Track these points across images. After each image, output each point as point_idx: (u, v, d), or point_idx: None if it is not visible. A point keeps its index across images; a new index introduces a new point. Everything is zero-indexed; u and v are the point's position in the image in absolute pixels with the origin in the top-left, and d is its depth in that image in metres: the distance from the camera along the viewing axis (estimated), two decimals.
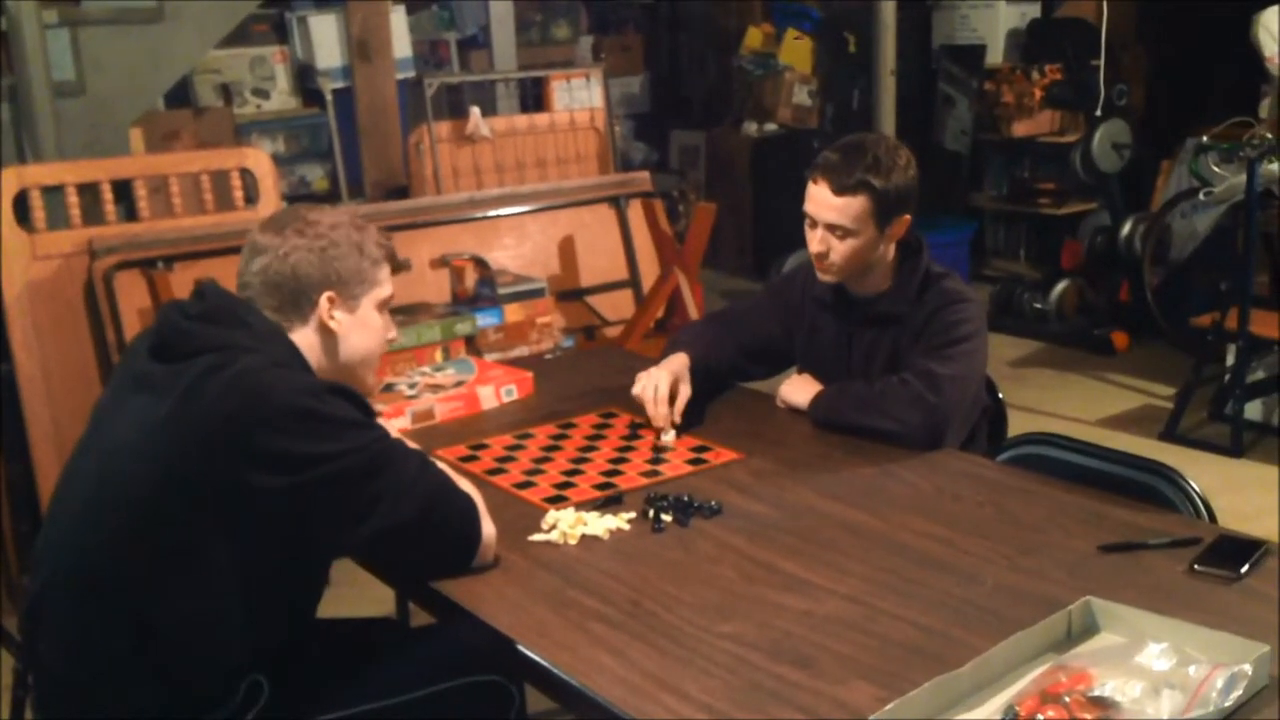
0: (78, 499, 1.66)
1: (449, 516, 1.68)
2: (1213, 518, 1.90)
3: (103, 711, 1.60)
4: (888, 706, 1.32)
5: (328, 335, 1.76)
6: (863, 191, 2.16)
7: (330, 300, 1.74)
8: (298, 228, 1.73)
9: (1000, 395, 2.47)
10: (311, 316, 1.74)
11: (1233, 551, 1.66)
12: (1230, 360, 4.24)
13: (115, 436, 1.64)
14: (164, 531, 1.57)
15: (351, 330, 1.77)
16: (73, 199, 3.32)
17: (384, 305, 1.82)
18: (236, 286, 1.75)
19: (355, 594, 2.20)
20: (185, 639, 1.59)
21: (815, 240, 2.23)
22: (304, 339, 1.74)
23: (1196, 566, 1.64)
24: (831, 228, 2.20)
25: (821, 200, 2.20)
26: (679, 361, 2.32)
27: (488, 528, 1.72)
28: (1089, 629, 1.50)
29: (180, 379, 1.59)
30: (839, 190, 2.17)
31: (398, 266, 1.86)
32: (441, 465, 1.77)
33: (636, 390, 2.25)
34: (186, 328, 1.65)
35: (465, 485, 1.75)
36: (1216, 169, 4.72)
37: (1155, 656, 1.38)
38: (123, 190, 3.45)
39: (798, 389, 2.29)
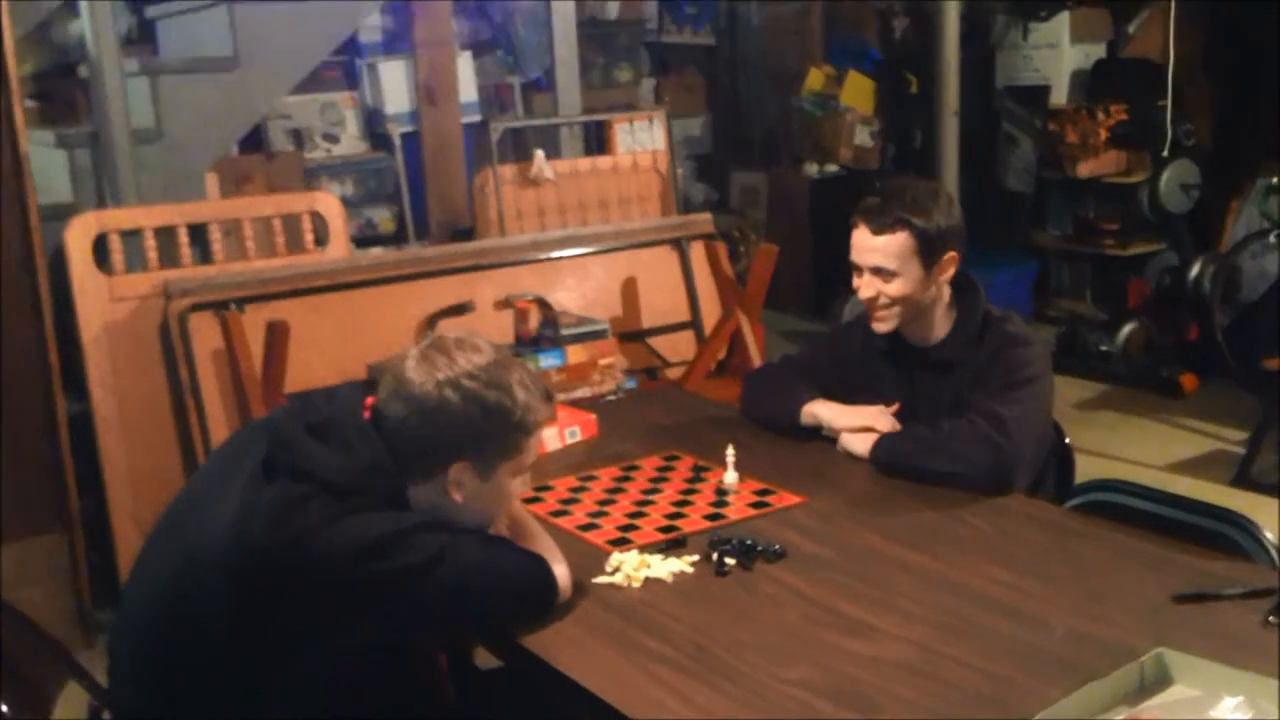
0: (159, 582, 1.64)
1: (525, 601, 1.68)
2: None
3: None
4: None
5: (446, 499, 1.63)
6: (902, 229, 2.18)
7: (462, 470, 1.61)
8: (453, 379, 1.58)
9: (1067, 439, 2.44)
10: (437, 477, 1.61)
11: None
12: None
13: (202, 527, 1.59)
14: (237, 635, 1.54)
15: (476, 499, 1.65)
16: (150, 242, 3.41)
17: (522, 470, 1.69)
18: (371, 405, 1.63)
19: None
20: (251, 695, 1.59)
21: (864, 286, 2.24)
22: (418, 494, 1.62)
23: (1272, 618, 1.60)
24: (876, 270, 2.21)
25: (863, 243, 2.23)
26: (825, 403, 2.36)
27: (561, 571, 1.72)
28: (1162, 680, 1.47)
29: (261, 502, 1.53)
30: (878, 230, 2.20)
31: (554, 418, 1.77)
32: (523, 515, 1.79)
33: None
34: (295, 441, 1.57)
35: (538, 537, 1.76)
36: None
37: (1230, 710, 1.36)
38: (198, 233, 3.53)
39: (858, 437, 2.28)
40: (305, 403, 1.68)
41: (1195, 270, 5.16)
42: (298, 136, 5.11)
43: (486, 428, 1.59)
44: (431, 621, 1.62)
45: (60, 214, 3.41)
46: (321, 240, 3.73)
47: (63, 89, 4.02)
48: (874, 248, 2.21)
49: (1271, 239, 4.63)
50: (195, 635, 1.56)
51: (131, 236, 3.41)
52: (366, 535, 1.52)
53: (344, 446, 1.57)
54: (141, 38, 4.13)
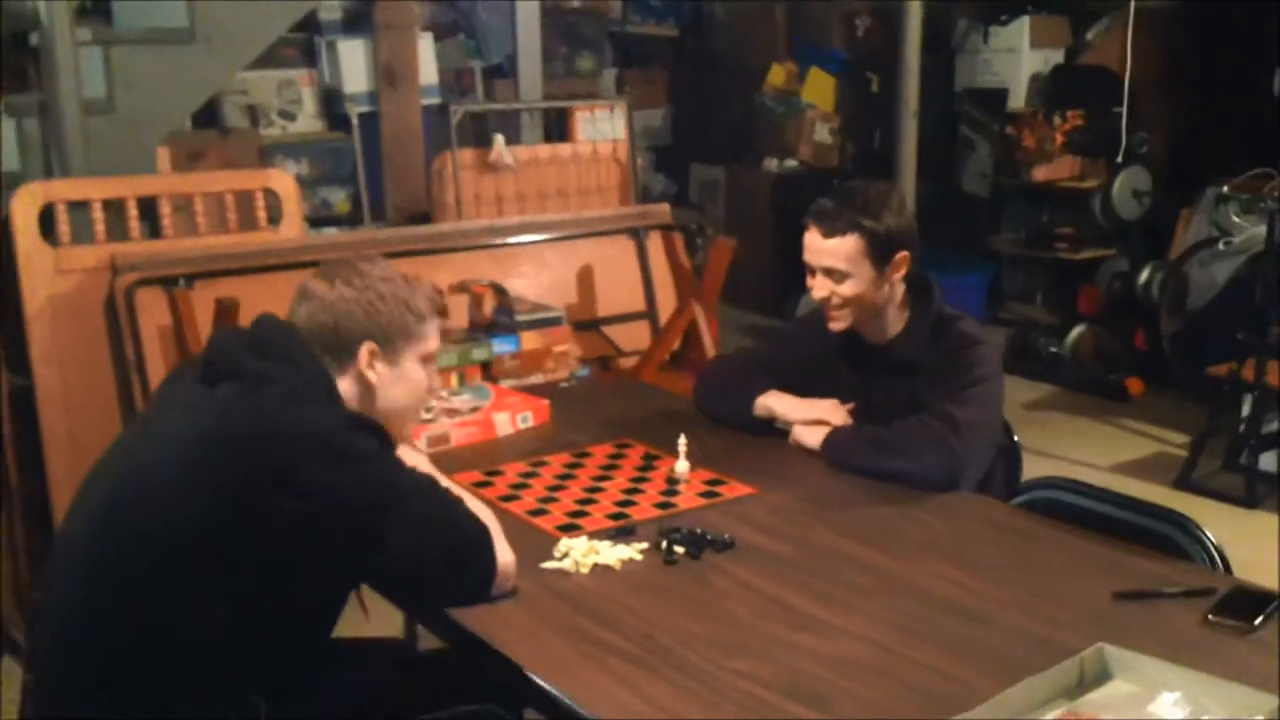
0: (102, 505, 1.68)
1: (460, 550, 1.68)
2: (1227, 568, 1.89)
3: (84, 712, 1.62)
4: None
5: (366, 386, 1.77)
6: (853, 231, 2.19)
7: (371, 352, 1.75)
8: (347, 278, 1.76)
9: (1016, 438, 2.47)
10: (351, 366, 1.76)
11: (1247, 603, 1.65)
12: (1245, 410, 4.22)
13: (148, 448, 1.69)
14: (187, 544, 1.59)
15: (391, 383, 1.78)
16: (98, 215, 3.35)
17: (428, 359, 1.83)
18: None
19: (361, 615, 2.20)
20: (192, 654, 1.60)
21: (817, 286, 2.26)
22: (344, 386, 1.76)
23: (1210, 617, 1.63)
24: (828, 271, 2.23)
25: (815, 245, 2.24)
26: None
27: (504, 555, 1.72)
28: (1102, 676, 1.49)
29: (213, 402, 1.64)
30: (829, 233, 2.21)
31: (445, 314, 1.89)
32: (459, 491, 1.78)
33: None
34: (233, 354, 1.71)
35: (482, 512, 1.75)
36: (1236, 219, 4.73)
37: (1168, 706, 1.37)
38: (148, 208, 3.47)
39: (809, 430, 2.29)
40: (234, 329, 1.80)
41: (1144, 277, 5.24)
42: (253, 113, 5.04)
43: (384, 310, 1.75)
44: (365, 533, 1.62)
45: (7, 183, 3.34)
46: (275, 219, 3.68)
47: (13, 57, 3.93)
48: (825, 250, 2.22)
49: (1219, 247, 4.70)
50: (142, 553, 1.60)
51: (79, 208, 3.34)
52: (318, 419, 1.65)
53: (278, 355, 1.71)
54: (96, 7, 4.05)
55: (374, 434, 1.70)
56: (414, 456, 1.90)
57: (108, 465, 1.75)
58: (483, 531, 1.70)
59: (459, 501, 1.74)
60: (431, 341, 1.82)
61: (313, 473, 1.59)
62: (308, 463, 1.59)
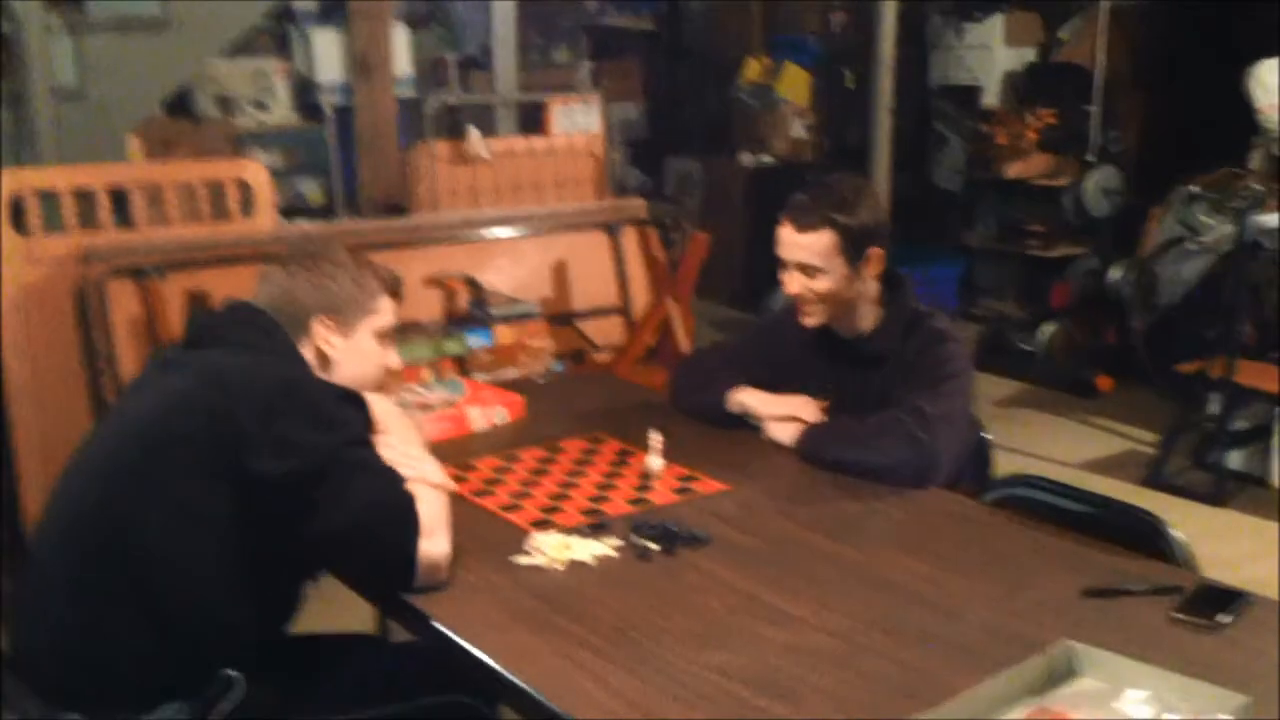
0: (93, 463, 1.73)
1: (381, 534, 1.69)
2: (1194, 566, 1.91)
3: (79, 686, 1.64)
4: None
5: (323, 359, 1.86)
6: (826, 227, 2.20)
7: (325, 324, 1.85)
8: (301, 260, 1.88)
9: (985, 435, 2.48)
10: (308, 341, 1.85)
11: (1213, 600, 1.67)
12: (1214, 408, 4.26)
13: (137, 406, 1.76)
14: (173, 492, 1.64)
15: (346, 354, 1.88)
16: (68, 204, 3.32)
17: (383, 334, 1.92)
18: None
19: (336, 610, 2.20)
20: (176, 612, 1.64)
21: (790, 282, 2.26)
22: (306, 358, 1.85)
23: (1177, 614, 1.65)
24: (802, 267, 2.23)
25: (788, 240, 2.25)
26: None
27: (438, 547, 1.71)
28: (1069, 673, 1.50)
29: (200, 361, 1.74)
30: (803, 228, 2.22)
31: (398, 294, 1.94)
32: (426, 469, 1.81)
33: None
34: (213, 324, 1.85)
35: (432, 501, 1.74)
36: (1205, 218, 4.77)
37: (1134, 703, 1.39)
38: (119, 197, 3.45)
39: (783, 426, 2.30)
40: (209, 310, 1.90)
41: (1114, 274, 5.28)
42: (226, 103, 5.01)
43: (335, 286, 1.86)
44: (306, 499, 1.65)
45: None
46: (248, 210, 3.66)
47: None
48: (799, 245, 2.23)
49: (1188, 246, 4.75)
50: (130, 486, 1.65)
51: (49, 197, 3.31)
52: (313, 383, 1.77)
53: (254, 328, 1.81)
54: None
55: (357, 407, 1.77)
56: (385, 405, 1.93)
57: (83, 457, 1.76)
58: (407, 519, 1.69)
59: (397, 491, 1.73)
60: (384, 316, 1.91)
61: (293, 430, 1.64)
62: (289, 421, 1.64)
